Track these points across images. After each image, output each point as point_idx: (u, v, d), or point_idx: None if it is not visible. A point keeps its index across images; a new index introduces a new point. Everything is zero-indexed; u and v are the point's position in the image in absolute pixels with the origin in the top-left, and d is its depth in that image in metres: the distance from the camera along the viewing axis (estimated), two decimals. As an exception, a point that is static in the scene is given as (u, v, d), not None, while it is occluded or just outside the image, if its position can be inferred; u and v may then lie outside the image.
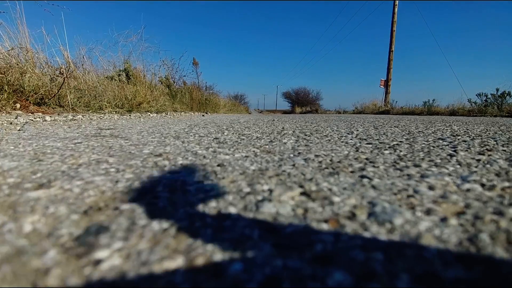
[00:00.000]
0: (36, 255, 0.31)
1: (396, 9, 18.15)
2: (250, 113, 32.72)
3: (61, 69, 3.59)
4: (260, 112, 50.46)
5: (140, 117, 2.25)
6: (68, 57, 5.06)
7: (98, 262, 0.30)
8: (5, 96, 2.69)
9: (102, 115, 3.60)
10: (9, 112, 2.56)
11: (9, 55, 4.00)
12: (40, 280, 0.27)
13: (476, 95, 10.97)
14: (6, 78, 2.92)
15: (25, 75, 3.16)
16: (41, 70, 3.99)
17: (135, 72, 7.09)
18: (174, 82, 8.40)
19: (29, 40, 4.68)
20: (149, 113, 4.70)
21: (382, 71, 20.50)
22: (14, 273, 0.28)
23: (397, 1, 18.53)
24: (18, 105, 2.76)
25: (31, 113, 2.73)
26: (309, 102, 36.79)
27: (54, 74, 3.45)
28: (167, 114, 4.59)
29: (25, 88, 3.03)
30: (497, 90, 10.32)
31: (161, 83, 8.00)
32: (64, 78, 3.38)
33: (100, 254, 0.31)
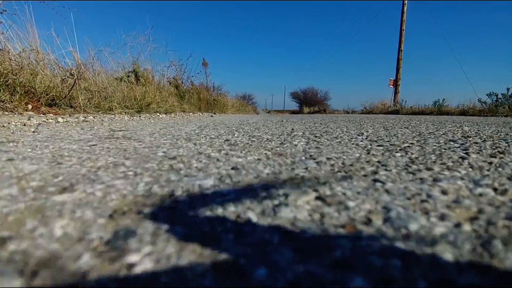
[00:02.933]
0: (71, 260, 0.33)
1: (405, 8, 18.01)
2: (258, 113, 32.70)
3: (72, 71, 3.64)
4: (268, 112, 50.37)
5: (149, 118, 2.27)
6: (78, 58, 5.13)
7: (131, 266, 0.32)
8: (17, 97, 2.75)
9: (113, 116, 3.64)
10: (21, 113, 2.61)
11: (20, 56, 4.07)
12: (79, 284, 0.29)
13: (487, 95, 10.84)
14: (18, 80, 2.98)
15: (36, 77, 3.21)
16: (52, 71, 4.05)
17: (144, 73, 7.15)
18: (182, 83, 8.45)
19: (39, 41, 4.75)
20: (158, 114, 4.74)
21: (391, 71, 20.30)
22: (53, 278, 0.30)
23: (406, 0, 18.38)
24: (30, 106, 2.81)
25: (43, 114, 2.77)
26: (317, 102, 36.63)
27: (65, 76, 3.50)
28: (176, 114, 4.62)
29: (37, 89, 3.08)
30: (508, 89, 10.20)
31: (170, 83, 8.05)
32: (75, 80, 3.43)
33: (132, 258, 0.33)
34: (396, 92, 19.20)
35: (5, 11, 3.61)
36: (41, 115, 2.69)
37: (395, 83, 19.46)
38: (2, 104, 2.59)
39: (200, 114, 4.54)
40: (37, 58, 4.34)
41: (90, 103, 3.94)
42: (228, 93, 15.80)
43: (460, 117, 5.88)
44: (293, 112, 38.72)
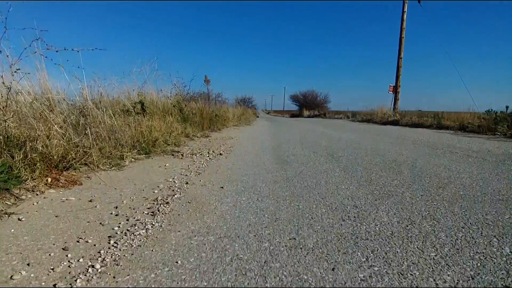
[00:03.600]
0: None
1: (405, 16, 18.14)
2: (258, 116, 32.80)
3: (87, 131, 3.74)
4: (268, 113, 50.73)
5: (164, 215, 2.33)
6: (87, 95, 5.24)
7: None
8: (37, 173, 2.84)
9: (123, 169, 3.75)
10: (42, 192, 2.70)
11: (35, 101, 4.18)
12: None
13: (486, 111, 11.04)
14: (35, 147, 3.07)
15: (53, 140, 3.30)
16: (65, 121, 4.15)
17: (149, 101, 7.27)
18: (185, 106, 8.59)
19: (47, 77, 4.86)
20: (165, 156, 4.84)
21: (391, 72, 20.54)
22: None
23: (406, 3, 18.45)
24: (49, 179, 2.90)
25: (63, 187, 2.87)
26: (317, 105, 36.87)
27: (81, 143, 3.59)
28: (182, 156, 4.72)
29: (53, 155, 3.17)
30: (507, 107, 10.36)
31: (174, 106, 8.18)
32: (91, 149, 3.54)
33: None
34: (396, 99, 19.41)
35: (19, 70, 3.70)
36: (60, 191, 2.79)
37: (395, 90, 19.69)
38: (24, 184, 2.68)
39: (208, 158, 4.68)
40: (50, 106, 4.45)
41: (102, 154, 4.04)
42: (228, 99, 16.16)
43: (461, 137, 5.93)
44: (293, 115, 38.94)
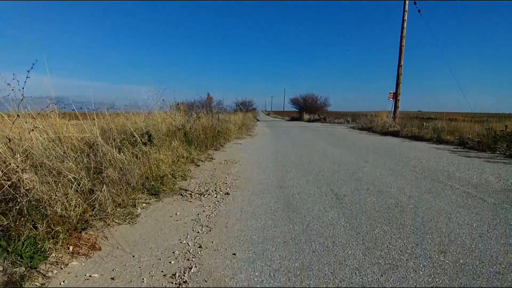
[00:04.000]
0: None
1: (405, 24, 18.22)
2: (258, 120, 32.91)
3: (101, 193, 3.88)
4: (268, 115, 50.93)
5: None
6: (100, 139, 5.37)
7: None
8: (60, 243, 2.98)
9: (136, 221, 3.90)
10: (66, 264, 2.85)
11: (48, 150, 4.32)
12: None
13: (486, 129, 11.21)
14: (57, 212, 3.21)
15: (71, 200, 3.44)
16: (78, 164, 4.29)
17: (154, 126, 7.40)
18: (190, 128, 8.73)
19: (59, 116, 5.00)
20: (173, 196, 5.00)
21: (391, 72, 20.76)
22: None
23: (406, 12, 18.50)
24: (70, 248, 3.04)
25: (84, 255, 3.02)
26: (317, 109, 37.03)
27: (97, 199, 3.73)
28: (191, 198, 4.86)
29: (73, 218, 3.32)
30: (506, 127, 10.52)
31: (179, 129, 8.32)
32: (107, 202, 3.68)
33: None
34: (396, 107, 19.55)
35: (36, 127, 3.84)
36: (82, 261, 2.94)
37: (395, 97, 19.83)
38: (50, 259, 2.82)
39: (216, 199, 4.83)
40: (63, 149, 4.59)
41: (114, 202, 4.19)
42: (228, 107, 16.52)
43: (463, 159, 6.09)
44: (292, 118, 39.10)
